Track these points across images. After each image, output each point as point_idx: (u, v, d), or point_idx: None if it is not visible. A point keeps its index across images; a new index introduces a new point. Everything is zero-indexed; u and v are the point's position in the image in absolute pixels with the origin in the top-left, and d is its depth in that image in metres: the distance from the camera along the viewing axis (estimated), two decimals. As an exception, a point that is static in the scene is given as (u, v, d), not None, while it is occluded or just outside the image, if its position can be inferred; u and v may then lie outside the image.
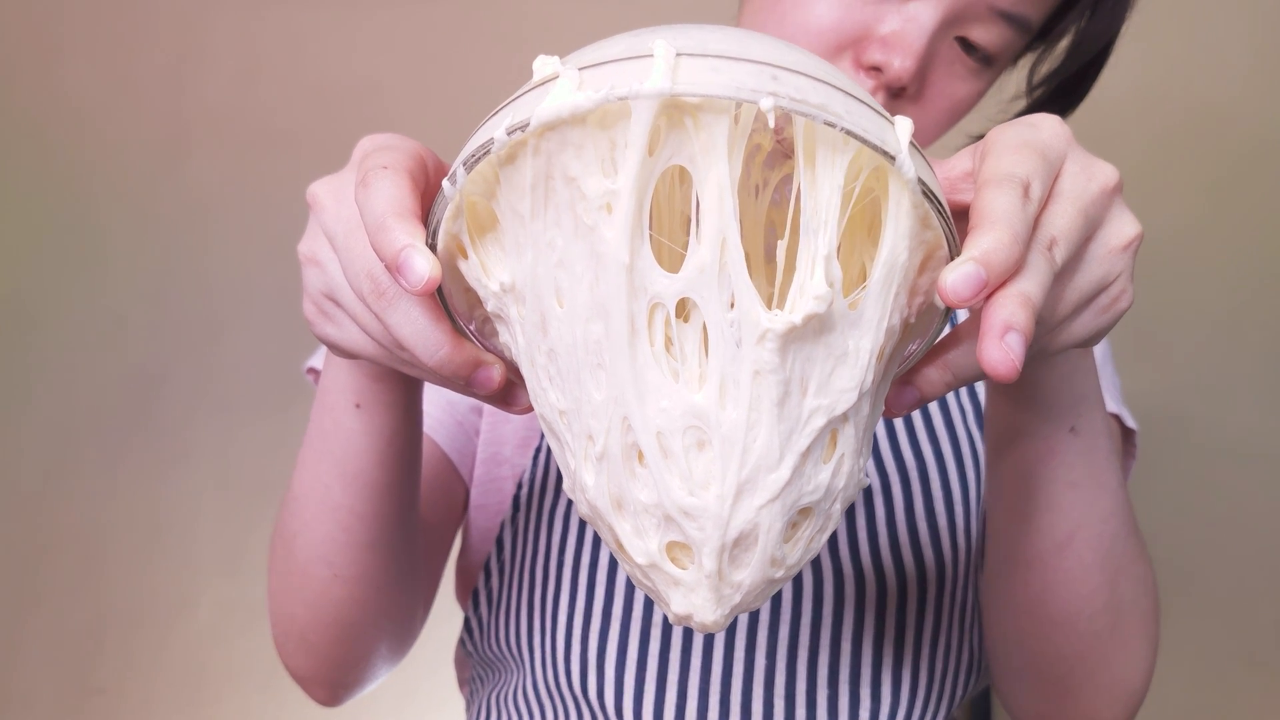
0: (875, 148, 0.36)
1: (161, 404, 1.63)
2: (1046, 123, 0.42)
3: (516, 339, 0.41)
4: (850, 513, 0.67)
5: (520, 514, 0.69)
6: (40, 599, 1.63)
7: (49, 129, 1.65)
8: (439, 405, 0.69)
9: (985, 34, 0.62)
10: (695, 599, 0.39)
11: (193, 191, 1.64)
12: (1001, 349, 0.35)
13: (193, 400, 1.63)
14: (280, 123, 1.65)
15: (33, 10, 1.65)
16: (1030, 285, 0.37)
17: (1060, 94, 0.72)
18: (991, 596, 0.60)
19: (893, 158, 0.36)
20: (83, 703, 1.62)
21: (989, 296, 0.36)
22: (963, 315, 0.71)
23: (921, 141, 0.66)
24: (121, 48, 1.65)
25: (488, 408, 0.71)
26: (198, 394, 1.64)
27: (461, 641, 0.74)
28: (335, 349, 0.46)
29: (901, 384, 0.42)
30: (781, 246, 0.40)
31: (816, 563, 0.65)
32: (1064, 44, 0.70)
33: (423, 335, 0.40)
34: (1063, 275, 0.41)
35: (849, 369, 0.39)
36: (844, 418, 0.39)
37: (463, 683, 0.79)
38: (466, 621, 0.72)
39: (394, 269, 0.37)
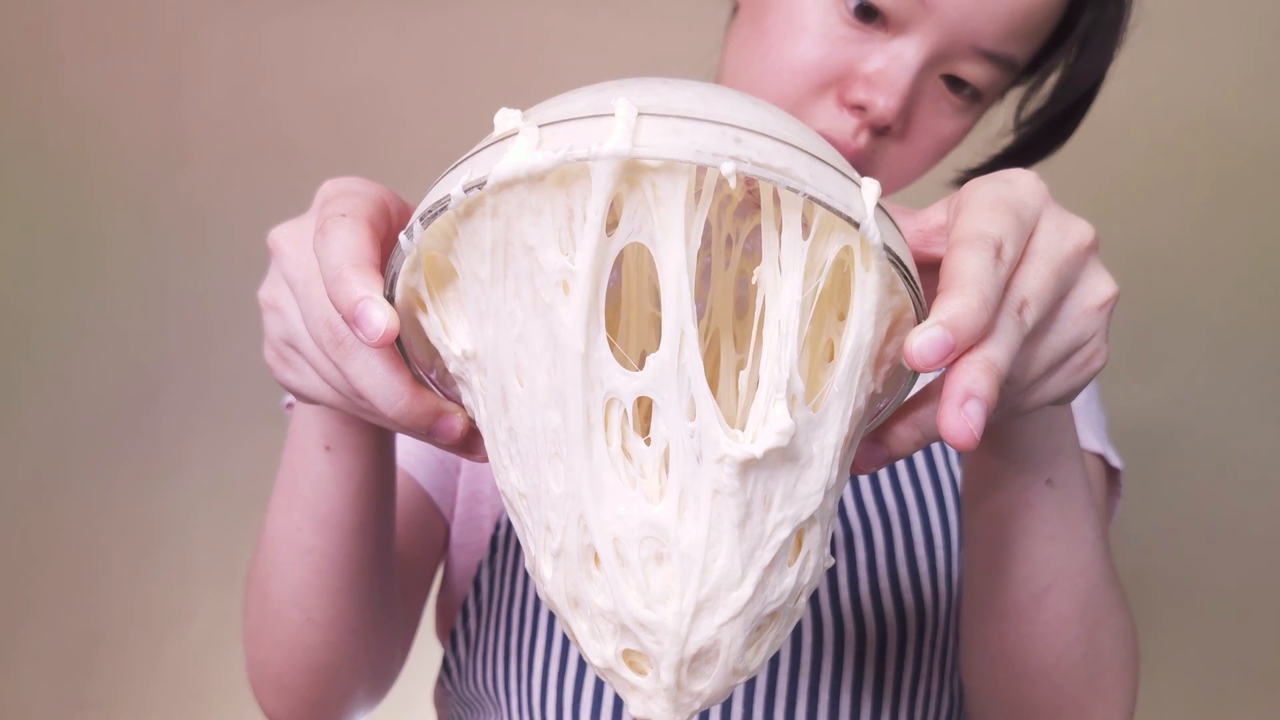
0: (839, 214, 0.35)
1: (156, 415, 1.63)
2: (1022, 179, 0.41)
3: (479, 408, 0.40)
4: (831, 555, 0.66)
5: (498, 555, 0.69)
6: (33, 611, 1.63)
7: (47, 136, 1.66)
8: (419, 443, 0.69)
9: (971, 72, 0.62)
10: (653, 706, 0.39)
11: (190, 199, 1.65)
12: (960, 417, 0.35)
13: (188, 411, 1.63)
14: (278, 130, 1.65)
15: (32, 16, 1.66)
16: (997, 351, 0.36)
17: (1048, 131, 0.72)
18: (968, 647, 0.60)
19: (857, 224, 0.36)
20: (75, 716, 1.62)
21: (955, 361, 0.36)
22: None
23: (906, 179, 0.66)
24: (120, 54, 1.65)
25: None
26: (193, 405, 1.63)
27: (440, 681, 0.74)
28: (297, 395, 0.46)
29: (871, 442, 0.41)
30: (743, 376, 0.39)
31: None
32: (1052, 81, 0.69)
33: (382, 386, 0.39)
34: (1035, 335, 0.41)
35: (814, 472, 0.38)
36: (810, 519, 0.39)
37: (442, 720, 0.79)
38: (445, 661, 0.72)
39: (350, 321, 0.37)
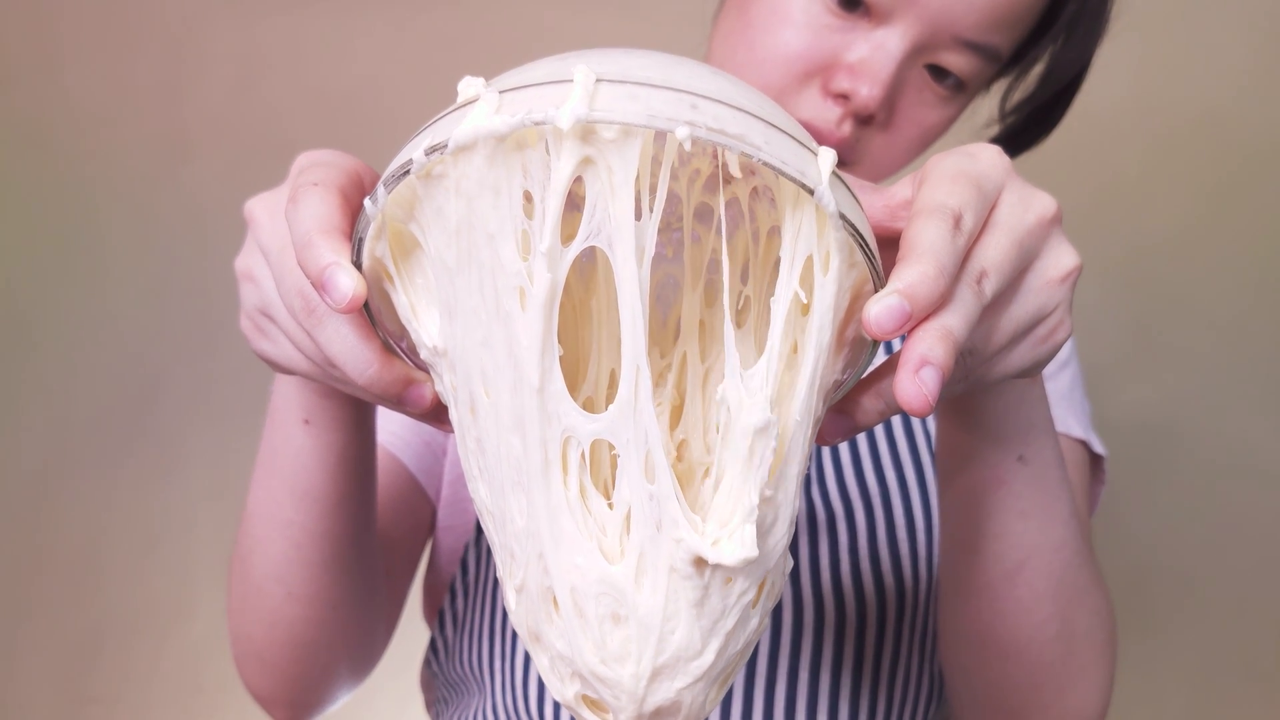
0: (794, 180, 0.36)
1: (158, 413, 1.64)
2: (985, 153, 0.42)
3: (450, 407, 0.41)
4: (812, 540, 0.67)
5: (483, 537, 0.70)
6: (36, 608, 1.64)
7: (49, 135, 1.67)
8: (405, 424, 0.70)
9: (954, 61, 0.62)
10: None
11: (191, 198, 1.66)
12: (915, 384, 0.35)
13: (190, 409, 1.64)
14: (279, 129, 1.65)
15: (34, 15, 1.67)
16: (954, 320, 0.37)
17: (1034, 120, 0.72)
18: (945, 625, 0.60)
19: (811, 191, 0.36)
20: (78, 712, 1.63)
21: (913, 329, 0.36)
22: (899, 343, 0.70)
23: (891, 169, 0.66)
24: (121, 53, 1.66)
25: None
26: (195, 402, 1.65)
27: (427, 662, 0.74)
28: (272, 365, 0.47)
29: (836, 413, 0.42)
30: (708, 485, 0.39)
31: None
32: (1037, 71, 0.69)
33: (352, 353, 0.40)
34: (998, 306, 0.41)
35: (779, 525, 0.38)
36: (775, 567, 0.39)
37: (429, 704, 0.79)
38: (433, 641, 0.73)
39: (319, 286, 0.37)
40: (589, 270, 0.45)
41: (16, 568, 1.64)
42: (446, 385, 0.40)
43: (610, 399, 0.43)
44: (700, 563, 0.37)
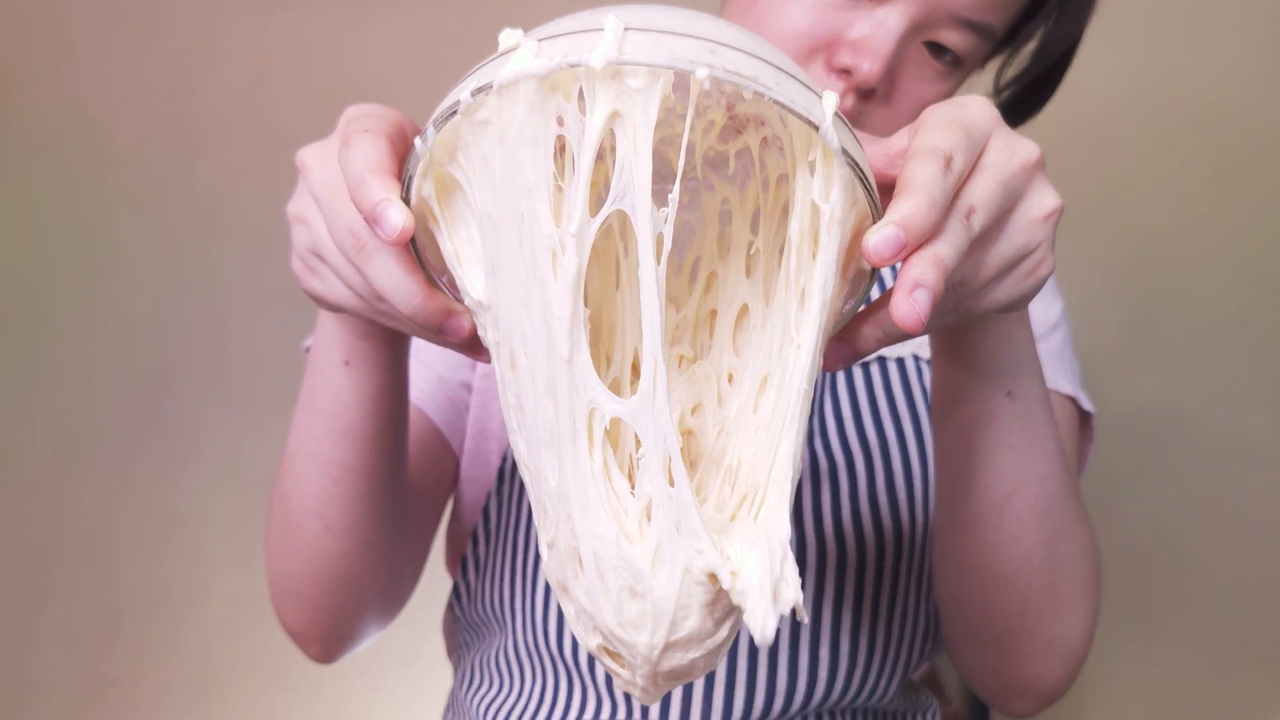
0: (801, 117, 0.40)
1: (172, 402, 1.69)
2: (974, 103, 0.46)
3: (494, 360, 0.44)
4: (815, 487, 0.71)
5: (504, 485, 0.74)
6: (54, 593, 1.68)
7: (61, 132, 1.71)
8: (431, 381, 0.74)
9: (951, 39, 0.67)
10: (634, 689, 0.43)
11: (202, 193, 1.70)
12: (909, 302, 0.40)
13: (203, 398, 1.69)
14: (288, 125, 1.67)
15: (47, 14, 1.71)
16: (944, 248, 0.41)
17: (1027, 95, 0.76)
18: (938, 556, 0.64)
19: (817, 126, 0.41)
20: (96, 694, 1.67)
21: (908, 257, 0.41)
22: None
23: None
24: (132, 52, 1.71)
25: (477, 384, 0.76)
26: (208, 392, 1.69)
27: (450, 606, 0.79)
28: (321, 302, 0.51)
29: (837, 341, 0.46)
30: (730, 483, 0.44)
31: None
32: (1029, 48, 0.73)
33: (398, 285, 0.45)
34: (985, 241, 0.46)
35: (781, 510, 0.43)
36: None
37: (450, 650, 0.84)
38: (455, 587, 0.77)
39: (371, 220, 0.42)
40: (625, 225, 0.49)
41: (36, 554, 1.68)
42: (490, 339, 0.44)
43: (636, 371, 0.47)
44: (715, 579, 0.41)
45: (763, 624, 0.39)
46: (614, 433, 0.42)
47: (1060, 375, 0.75)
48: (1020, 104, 0.77)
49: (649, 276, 0.40)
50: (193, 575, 1.68)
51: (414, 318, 0.45)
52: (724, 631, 0.42)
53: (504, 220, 0.42)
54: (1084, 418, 0.77)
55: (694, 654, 0.42)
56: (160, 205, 1.70)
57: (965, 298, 0.46)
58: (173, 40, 1.71)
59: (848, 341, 0.46)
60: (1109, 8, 1.55)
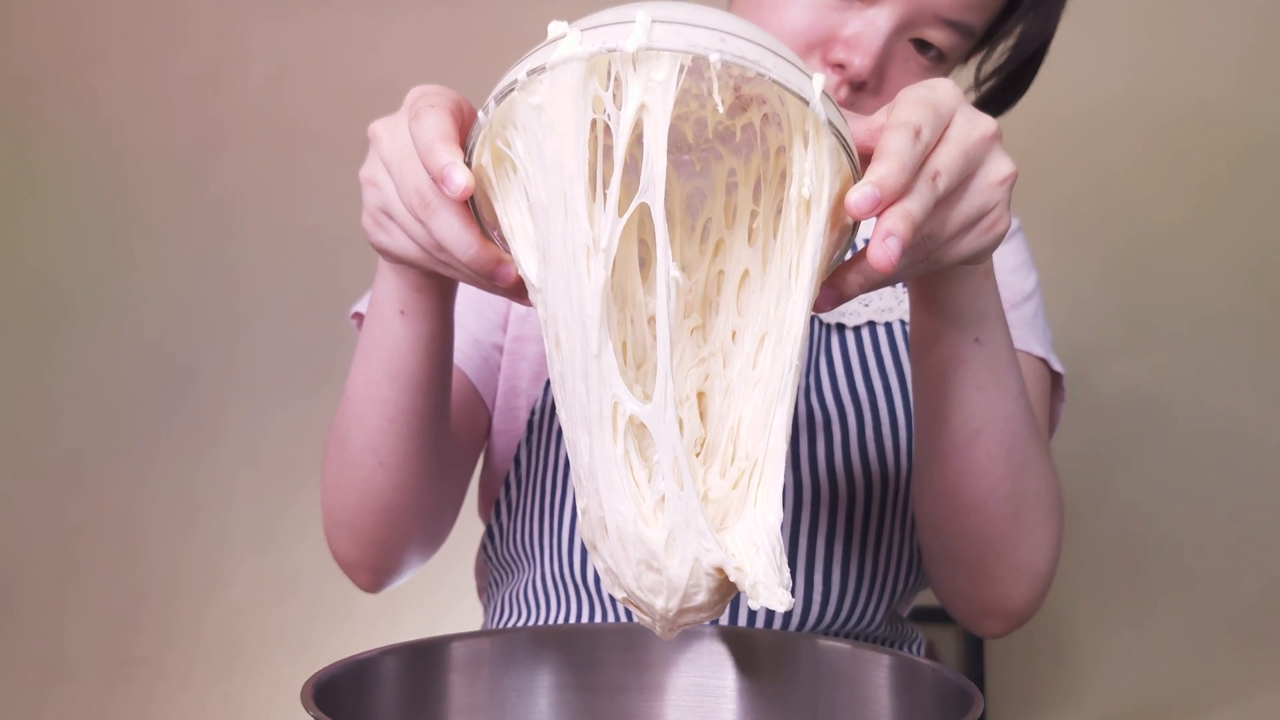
0: (794, 93, 0.50)
1: (196, 391, 1.77)
2: (942, 84, 0.56)
3: (544, 336, 0.53)
4: (811, 437, 0.80)
5: (533, 435, 0.83)
6: (84, 575, 1.76)
7: (91, 128, 1.80)
8: (467, 342, 0.83)
9: (935, 36, 0.76)
10: (654, 630, 0.53)
11: (222, 191, 1.79)
12: (883, 248, 0.49)
13: (225, 388, 1.77)
14: (306, 125, 1.79)
15: (77, 15, 1.80)
16: (913, 205, 0.50)
17: (1005, 87, 0.86)
18: (917, 488, 0.73)
19: (807, 102, 0.50)
20: (124, 672, 1.74)
21: (882, 212, 0.50)
22: None
23: None
24: (154, 55, 1.80)
25: (508, 346, 0.85)
26: (229, 382, 1.77)
27: (483, 547, 0.88)
28: (386, 254, 0.60)
29: (827, 286, 0.55)
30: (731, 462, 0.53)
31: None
32: (1005, 45, 0.83)
33: (458, 237, 0.54)
34: (949, 201, 0.55)
35: (774, 495, 0.51)
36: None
37: (481, 590, 0.93)
38: (489, 529, 0.87)
39: (438, 179, 0.51)
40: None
41: (65, 538, 1.76)
42: (540, 315, 0.53)
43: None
44: (722, 571, 0.50)
45: (778, 604, 0.48)
46: (639, 421, 0.51)
47: (1033, 339, 0.83)
48: (999, 95, 0.86)
49: (663, 314, 0.49)
50: (215, 558, 1.75)
51: (470, 265, 0.54)
52: (730, 598, 0.51)
53: (552, 206, 0.50)
54: (1055, 379, 0.86)
55: (705, 614, 0.51)
56: (181, 204, 1.79)
57: (933, 249, 0.55)
58: (194, 44, 1.80)
59: (834, 286, 0.55)
60: (1106, 10, 1.63)
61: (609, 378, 0.49)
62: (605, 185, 0.49)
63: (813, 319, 0.83)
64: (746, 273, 0.58)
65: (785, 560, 0.49)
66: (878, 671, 0.55)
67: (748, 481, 0.52)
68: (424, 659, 0.57)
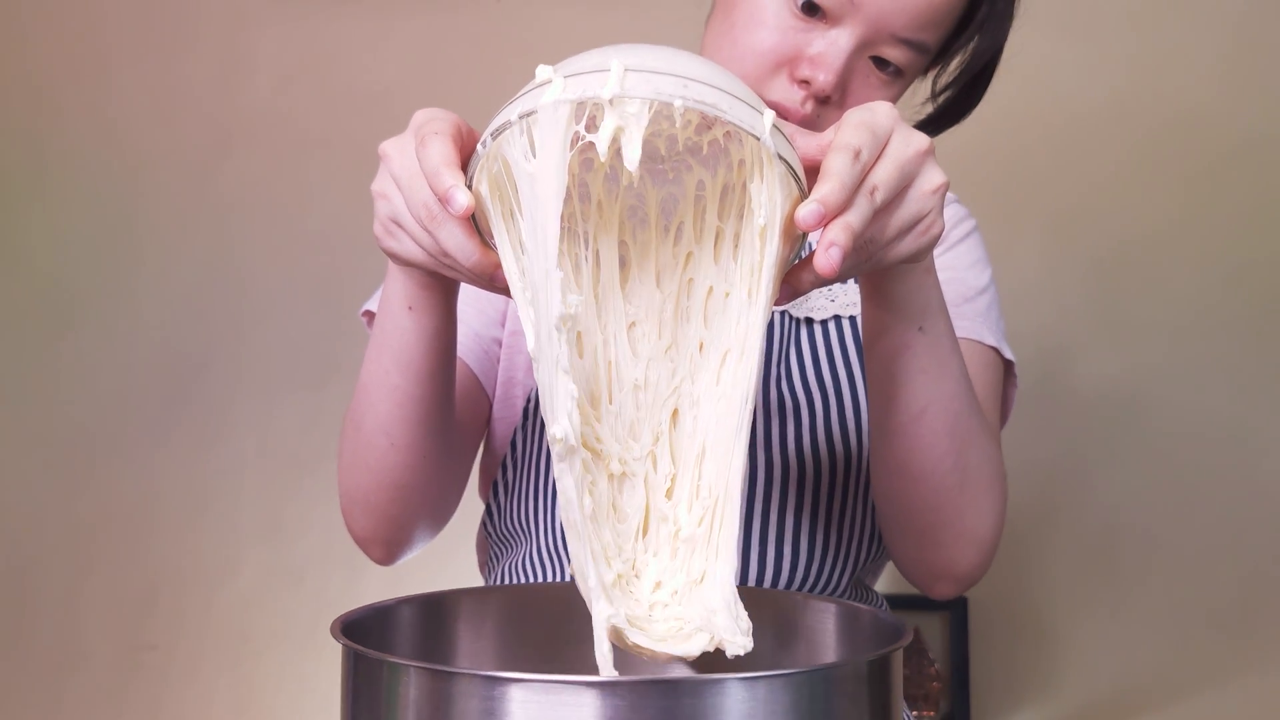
0: (747, 131, 0.59)
1: (204, 387, 1.84)
2: (881, 108, 0.64)
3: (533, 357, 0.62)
4: (781, 422, 0.89)
5: (528, 421, 0.92)
6: (97, 565, 1.83)
7: (106, 129, 1.87)
8: (469, 337, 0.92)
9: (893, 54, 0.84)
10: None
11: (234, 188, 1.86)
12: (825, 256, 0.58)
13: (233, 383, 1.84)
14: (313, 129, 1.86)
15: (91, 18, 1.87)
16: (853, 217, 0.59)
17: (960, 98, 0.94)
18: (873, 464, 0.82)
19: (758, 137, 0.59)
20: (136, 658, 1.81)
21: (827, 224, 0.59)
22: None
23: None
24: (170, 56, 1.87)
25: (506, 340, 0.94)
26: (237, 378, 1.84)
27: (483, 524, 0.97)
28: (395, 259, 0.69)
29: (784, 284, 0.64)
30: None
31: (754, 456, 0.88)
32: (958, 60, 0.92)
33: (462, 246, 0.63)
34: (889, 210, 0.63)
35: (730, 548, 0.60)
36: None
37: (482, 564, 1.02)
38: (488, 507, 0.96)
39: (443, 200, 0.60)
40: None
41: (79, 529, 1.83)
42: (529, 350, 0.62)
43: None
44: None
45: (742, 650, 0.56)
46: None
47: (985, 329, 0.92)
48: (954, 106, 0.95)
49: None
50: (225, 548, 1.82)
51: (472, 270, 0.63)
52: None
53: (534, 252, 0.59)
54: (1008, 366, 0.94)
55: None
56: (190, 206, 1.85)
57: (875, 251, 0.64)
58: (203, 49, 1.87)
59: (790, 284, 0.64)
60: (1089, 21, 1.69)
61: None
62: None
63: (783, 314, 0.92)
64: (711, 289, 0.67)
65: (743, 610, 0.58)
66: (825, 618, 0.65)
67: (710, 519, 0.61)
68: (436, 608, 0.66)
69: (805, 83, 0.82)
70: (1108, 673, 1.73)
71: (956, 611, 1.75)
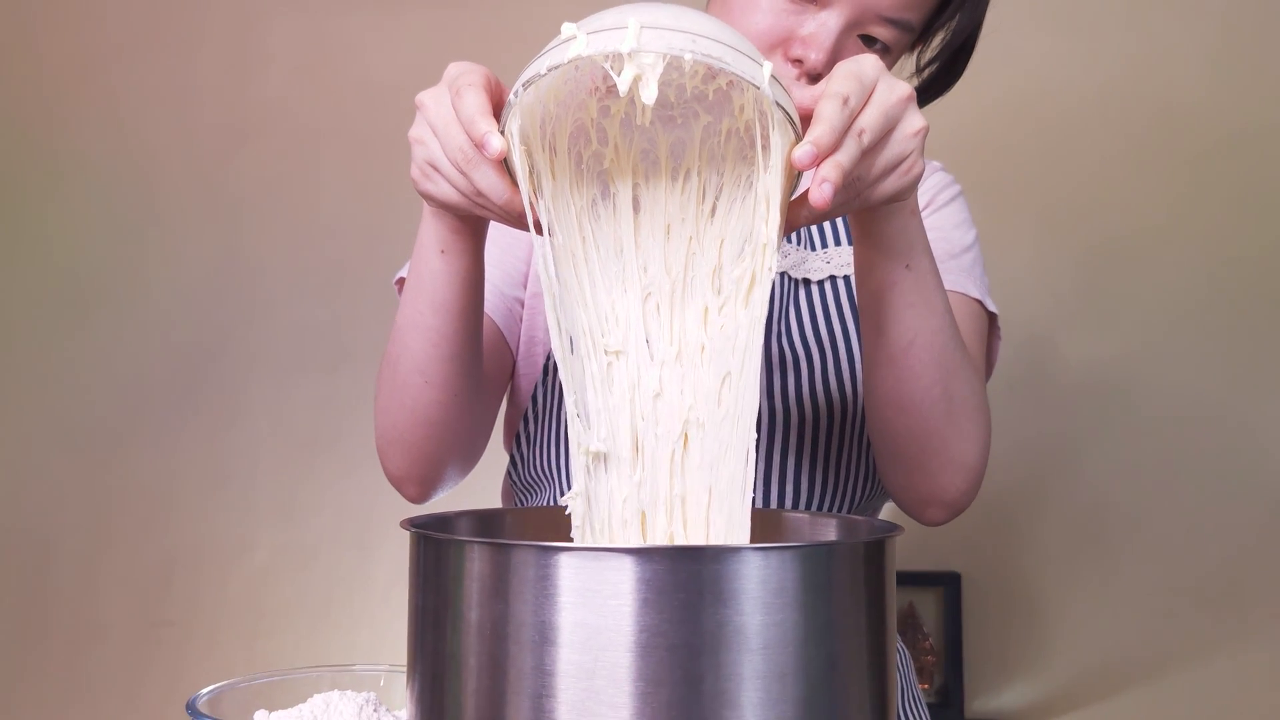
0: (748, 81, 0.67)
1: (219, 371, 1.90)
2: (868, 59, 0.72)
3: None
4: (783, 373, 0.98)
5: (548, 377, 1.00)
6: (116, 544, 1.89)
7: (116, 131, 1.93)
8: (495, 294, 1.00)
9: (880, 32, 0.92)
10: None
11: (243, 184, 1.92)
12: (819, 190, 0.66)
13: (247, 368, 1.90)
14: (323, 122, 1.92)
15: (101, 20, 1.94)
16: (843, 156, 0.67)
17: (941, 74, 1.03)
18: (866, 396, 0.90)
19: (758, 86, 0.68)
20: (154, 634, 1.88)
21: (819, 163, 0.67)
22: None
23: None
24: (179, 54, 1.93)
25: (528, 300, 1.02)
26: (251, 362, 1.91)
27: (508, 473, 1.05)
28: (431, 200, 0.76)
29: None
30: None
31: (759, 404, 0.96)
32: (939, 37, 1.00)
33: (494, 186, 0.70)
34: (874, 151, 0.71)
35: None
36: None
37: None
38: (512, 458, 1.04)
39: (479, 145, 0.68)
40: None
41: (97, 506, 1.89)
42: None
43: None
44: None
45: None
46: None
47: (969, 283, 0.99)
48: (937, 80, 1.03)
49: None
50: (239, 527, 1.88)
51: (504, 208, 0.71)
52: None
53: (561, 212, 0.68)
54: (991, 320, 1.01)
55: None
56: (203, 198, 1.92)
57: (862, 189, 0.72)
58: (214, 44, 1.94)
59: (788, 219, 0.72)
60: (1079, 16, 1.75)
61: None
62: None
63: (783, 275, 1.00)
64: (723, 241, 0.75)
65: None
66: (827, 531, 0.73)
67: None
68: (487, 520, 0.74)
69: (798, 61, 0.90)
70: (1097, 646, 1.79)
71: (950, 588, 1.81)
